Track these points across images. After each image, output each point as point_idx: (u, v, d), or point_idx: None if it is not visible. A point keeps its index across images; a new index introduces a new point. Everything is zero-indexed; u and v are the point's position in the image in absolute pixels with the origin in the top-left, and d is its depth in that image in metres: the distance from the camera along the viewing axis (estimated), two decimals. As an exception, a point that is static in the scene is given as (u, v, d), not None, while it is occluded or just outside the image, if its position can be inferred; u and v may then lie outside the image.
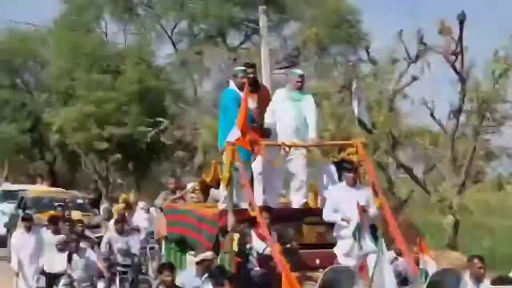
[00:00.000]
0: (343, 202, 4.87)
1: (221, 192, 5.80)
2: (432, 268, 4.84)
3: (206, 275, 4.74)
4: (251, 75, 5.62)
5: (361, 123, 5.68)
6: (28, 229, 7.53)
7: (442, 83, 12.89)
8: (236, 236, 4.70)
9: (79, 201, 15.01)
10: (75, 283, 6.96)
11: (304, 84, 5.98)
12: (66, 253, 6.99)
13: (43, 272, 7.38)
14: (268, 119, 5.42)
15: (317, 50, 17.49)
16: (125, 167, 20.69)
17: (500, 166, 13.29)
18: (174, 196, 7.80)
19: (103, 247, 7.79)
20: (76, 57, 19.23)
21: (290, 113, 5.53)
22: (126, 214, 10.69)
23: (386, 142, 11.23)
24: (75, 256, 6.99)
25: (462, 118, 11.40)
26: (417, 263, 4.78)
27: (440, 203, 10.87)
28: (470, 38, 11.34)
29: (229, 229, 4.91)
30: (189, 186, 8.64)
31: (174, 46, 20.32)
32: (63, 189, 17.71)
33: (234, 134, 4.99)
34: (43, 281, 7.38)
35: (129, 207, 12.24)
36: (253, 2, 16.87)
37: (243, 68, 5.63)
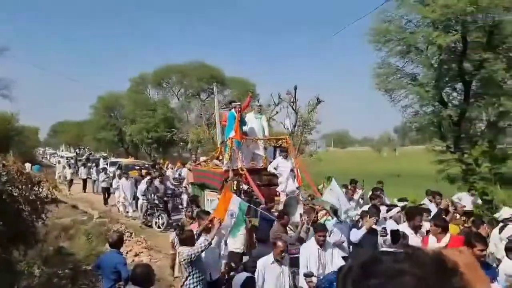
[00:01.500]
0: (282, 167, 9.31)
1: (224, 161, 10.21)
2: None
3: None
4: (238, 107, 9.97)
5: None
6: (126, 178, 15.54)
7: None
8: (234, 182, 8.80)
9: (146, 165, 22.67)
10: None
11: (262, 109, 12.01)
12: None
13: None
14: (245, 128, 10.01)
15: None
16: (158, 150, 41.71)
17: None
18: (196, 163, 13.83)
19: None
20: (138, 105, 40.19)
21: (255, 124, 10.35)
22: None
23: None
24: (154, 183, 13.74)
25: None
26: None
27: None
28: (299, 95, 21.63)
29: (229, 179, 9.10)
30: (202, 159, 15.27)
31: (178, 99, 42.62)
32: (137, 160, 30.08)
33: (232, 133, 9.76)
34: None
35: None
36: (212, 80, 36.24)
37: (236, 103, 10.29)
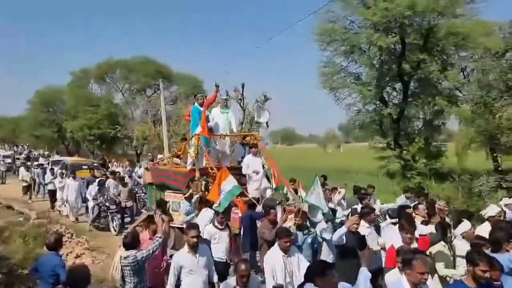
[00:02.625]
0: (252, 165, 8.69)
1: (189, 160, 9.47)
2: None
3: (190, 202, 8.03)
4: (202, 100, 9.45)
5: (258, 123, 11.03)
6: (73, 178, 14.51)
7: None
8: (202, 183, 8.44)
9: (95, 164, 20.70)
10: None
11: (229, 103, 10.31)
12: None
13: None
14: (210, 124, 9.23)
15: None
16: (101, 148, 40.15)
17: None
18: (154, 162, 12.43)
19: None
20: (80, 101, 38.21)
21: (221, 120, 9.55)
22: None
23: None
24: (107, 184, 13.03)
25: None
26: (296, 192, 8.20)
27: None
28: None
29: (196, 179, 8.54)
30: (159, 156, 14.74)
31: (123, 94, 41.31)
32: (85, 158, 26.40)
33: (198, 129, 8.95)
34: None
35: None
36: (157, 75, 34.97)
37: (200, 95, 9.79)
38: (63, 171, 16.60)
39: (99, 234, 12.77)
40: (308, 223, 6.30)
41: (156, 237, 5.44)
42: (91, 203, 13.09)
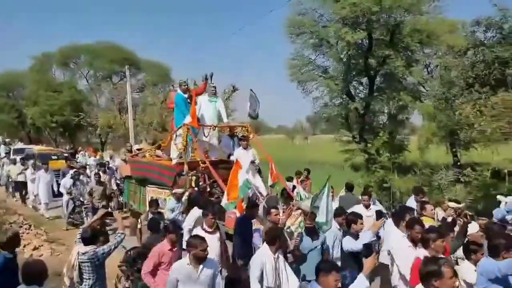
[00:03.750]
0: (243, 157, 8.05)
1: (174, 152, 8.69)
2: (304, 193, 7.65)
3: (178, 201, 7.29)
4: (185, 86, 8.75)
5: (250, 116, 9.20)
6: (46, 170, 13.89)
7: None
8: (192, 178, 7.66)
9: (65, 154, 20.04)
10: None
11: (217, 91, 9.18)
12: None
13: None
14: (196, 113, 8.36)
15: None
16: (64, 135, 38.86)
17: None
18: (133, 154, 11.23)
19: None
20: (41, 86, 35.95)
21: (209, 109, 8.79)
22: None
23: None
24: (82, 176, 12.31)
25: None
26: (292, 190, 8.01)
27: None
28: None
29: (184, 172, 7.83)
30: (135, 147, 13.17)
31: (87, 81, 39.64)
32: (53, 147, 26.17)
33: (187, 119, 8.17)
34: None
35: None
36: (124, 62, 33.32)
37: (183, 81, 8.90)
38: (36, 161, 15.60)
39: (59, 225, 12.41)
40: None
41: (118, 233, 5.33)
42: (65, 197, 12.25)
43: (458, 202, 7.59)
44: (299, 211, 6.13)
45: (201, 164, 8.13)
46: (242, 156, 8.20)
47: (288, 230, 5.90)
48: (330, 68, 20.02)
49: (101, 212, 6.23)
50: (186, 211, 7.22)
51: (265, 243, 4.74)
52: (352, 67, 18.91)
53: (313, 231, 5.40)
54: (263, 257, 4.58)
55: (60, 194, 12.99)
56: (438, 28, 16.52)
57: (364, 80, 19.68)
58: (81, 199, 11.94)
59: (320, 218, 5.28)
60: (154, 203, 7.77)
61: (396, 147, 18.14)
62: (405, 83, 18.89)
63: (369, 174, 17.15)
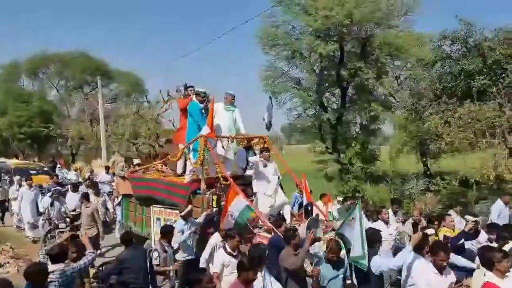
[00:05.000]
0: (263, 172, 7.24)
1: (188, 167, 7.85)
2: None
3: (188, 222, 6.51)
4: (203, 97, 7.96)
5: (267, 126, 8.35)
6: (30, 186, 12.34)
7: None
8: (214, 197, 6.77)
9: (45, 168, 17.54)
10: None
11: (234, 101, 8.13)
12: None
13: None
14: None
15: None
16: (32, 147, 36.51)
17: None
18: (134, 170, 9.95)
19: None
20: (9, 96, 34.28)
21: (226, 119, 7.93)
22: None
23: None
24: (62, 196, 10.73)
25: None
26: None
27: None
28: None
29: (202, 192, 6.95)
30: (136, 161, 12.65)
31: (57, 91, 38.53)
32: (32, 162, 22.71)
33: (205, 130, 7.21)
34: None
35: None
36: (95, 72, 32.50)
37: (202, 91, 8.04)
38: (21, 177, 13.59)
39: (26, 242, 11.99)
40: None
41: (89, 252, 5.22)
42: (40, 218, 10.95)
43: (475, 215, 7.48)
44: (333, 232, 5.51)
45: (222, 181, 7.07)
46: (263, 170, 7.31)
47: (319, 254, 5.46)
48: (303, 80, 20.33)
49: (66, 234, 6.04)
50: (201, 231, 6.70)
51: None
52: (324, 79, 19.26)
53: (336, 262, 4.90)
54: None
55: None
56: (406, 41, 17.02)
57: (337, 91, 20.05)
58: (56, 222, 10.19)
59: (356, 252, 4.47)
60: (168, 235, 6.39)
61: (368, 157, 18.49)
62: (376, 94, 19.34)
63: (342, 183, 17.39)
